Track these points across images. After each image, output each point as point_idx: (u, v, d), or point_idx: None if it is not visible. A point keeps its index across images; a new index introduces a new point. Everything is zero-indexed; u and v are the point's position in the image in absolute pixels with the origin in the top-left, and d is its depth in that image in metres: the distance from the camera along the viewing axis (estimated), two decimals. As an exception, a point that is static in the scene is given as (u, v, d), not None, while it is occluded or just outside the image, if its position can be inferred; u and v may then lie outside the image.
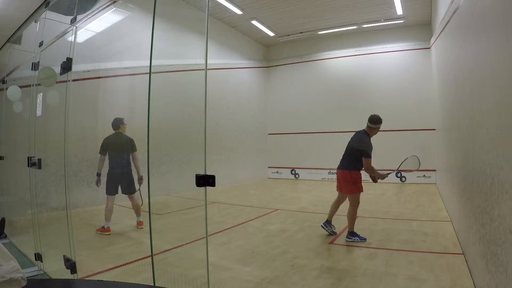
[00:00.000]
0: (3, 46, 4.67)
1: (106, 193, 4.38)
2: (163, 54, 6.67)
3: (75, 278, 2.59)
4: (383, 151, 10.17)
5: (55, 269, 2.82)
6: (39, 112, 3.25)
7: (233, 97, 10.45)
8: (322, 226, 4.25)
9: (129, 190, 4.44)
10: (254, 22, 9.99)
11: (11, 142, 4.62)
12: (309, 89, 11.55)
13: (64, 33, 3.15)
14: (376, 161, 11.26)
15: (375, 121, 3.96)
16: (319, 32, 10.78)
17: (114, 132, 4.48)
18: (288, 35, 11.14)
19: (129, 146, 4.51)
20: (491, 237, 1.96)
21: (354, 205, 3.96)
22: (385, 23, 9.89)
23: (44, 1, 3.45)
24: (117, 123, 4.48)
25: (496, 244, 1.82)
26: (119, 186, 4.42)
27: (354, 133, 4.17)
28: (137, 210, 4.51)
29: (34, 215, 3.32)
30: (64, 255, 2.70)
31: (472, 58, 2.63)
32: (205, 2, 1.96)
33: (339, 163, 4.14)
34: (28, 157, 3.13)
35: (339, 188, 4.19)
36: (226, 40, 10.15)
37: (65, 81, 2.84)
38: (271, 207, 6.22)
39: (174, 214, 5.94)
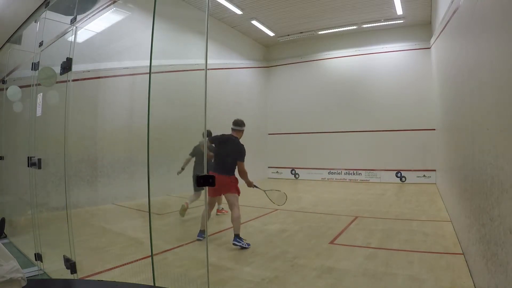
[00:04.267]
0: (3, 46, 4.66)
1: None
2: (163, 54, 6.66)
3: (75, 278, 2.59)
4: (383, 151, 10.23)
5: (55, 269, 2.82)
6: (39, 112, 3.25)
7: (233, 97, 10.44)
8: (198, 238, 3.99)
9: None
10: (254, 22, 9.99)
11: (11, 142, 4.62)
12: (309, 89, 11.55)
13: (64, 33, 3.14)
14: (376, 160, 11.22)
15: (240, 124, 4.29)
16: (319, 32, 10.77)
17: None
18: (288, 35, 11.14)
19: None
20: (491, 237, 1.96)
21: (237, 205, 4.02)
22: (385, 23, 9.89)
23: (44, 1, 3.44)
24: None
25: (496, 244, 1.82)
26: None
27: (223, 138, 4.22)
28: None
29: (34, 215, 3.32)
30: (64, 255, 2.70)
31: (472, 58, 2.63)
32: (205, 2, 1.96)
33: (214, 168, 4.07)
34: (28, 157, 3.13)
35: (216, 193, 4.15)
36: (226, 40, 10.14)
37: (65, 81, 2.84)
38: (271, 207, 6.20)
39: (174, 214, 5.94)
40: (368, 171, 10.38)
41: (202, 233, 3.97)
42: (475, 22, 2.46)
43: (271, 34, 10.96)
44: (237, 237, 3.75)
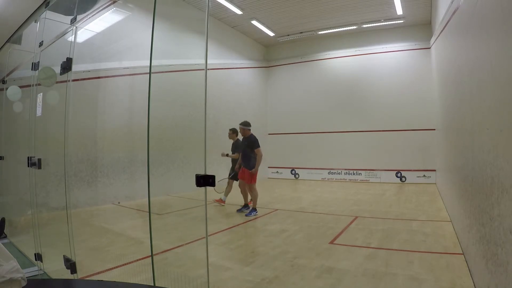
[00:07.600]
0: (3, 46, 4.66)
1: None
2: (163, 54, 6.66)
3: (75, 278, 2.59)
4: (383, 151, 10.23)
5: (55, 269, 2.82)
6: (39, 112, 3.25)
7: (233, 97, 10.44)
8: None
9: None
10: (254, 22, 9.99)
11: (11, 142, 4.62)
12: (309, 89, 11.55)
13: (64, 33, 3.14)
14: (376, 160, 11.20)
15: (247, 124, 5.76)
16: (319, 32, 10.77)
17: None
18: (288, 35, 11.14)
19: None
20: (491, 237, 1.96)
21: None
22: (385, 23, 9.89)
23: (44, 1, 3.44)
24: None
25: (496, 244, 1.82)
26: None
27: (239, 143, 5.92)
28: None
29: (34, 215, 3.32)
30: (64, 255, 2.70)
31: (472, 58, 2.63)
32: (205, 2, 1.96)
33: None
34: (28, 157, 3.13)
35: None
36: (226, 40, 10.14)
37: (65, 81, 2.84)
38: (271, 207, 6.22)
39: (174, 214, 5.94)
40: (368, 171, 10.38)
41: (245, 207, 5.71)
42: (475, 22, 2.46)
43: (271, 34, 10.97)
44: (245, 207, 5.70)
